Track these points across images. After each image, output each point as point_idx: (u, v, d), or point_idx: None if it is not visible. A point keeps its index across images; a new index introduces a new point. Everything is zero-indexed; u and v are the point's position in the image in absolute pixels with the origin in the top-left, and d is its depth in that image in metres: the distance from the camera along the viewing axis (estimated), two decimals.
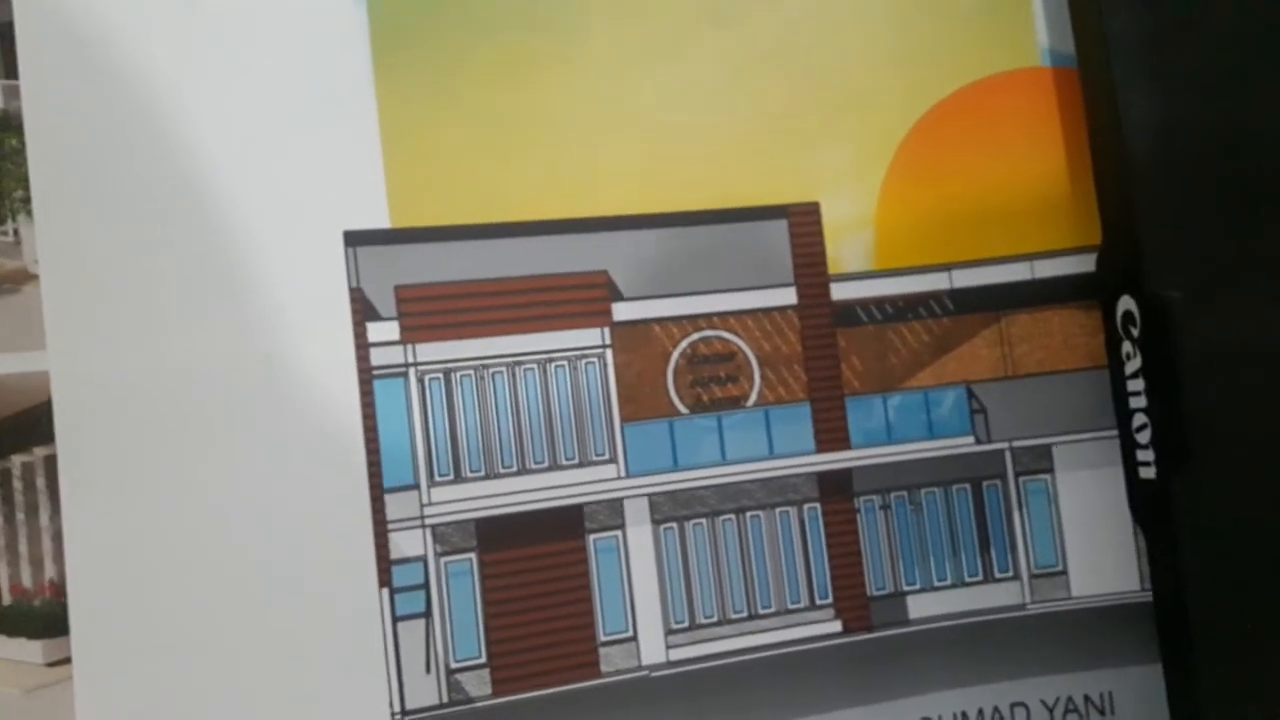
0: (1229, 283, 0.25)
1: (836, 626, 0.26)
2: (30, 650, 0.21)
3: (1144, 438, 0.26)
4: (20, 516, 0.22)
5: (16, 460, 0.22)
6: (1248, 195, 0.25)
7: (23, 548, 0.22)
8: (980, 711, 0.27)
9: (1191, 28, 0.25)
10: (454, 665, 0.24)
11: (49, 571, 0.22)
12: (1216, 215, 0.25)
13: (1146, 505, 0.26)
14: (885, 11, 0.27)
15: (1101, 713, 0.27)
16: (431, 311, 0.25)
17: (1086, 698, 0.27)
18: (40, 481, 0.22)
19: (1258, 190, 0.25)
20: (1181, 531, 0.25)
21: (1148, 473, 0.26)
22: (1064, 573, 0.27)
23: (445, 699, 0.24)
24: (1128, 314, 0.26)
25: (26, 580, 0.22)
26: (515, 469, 0.25)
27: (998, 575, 0.27)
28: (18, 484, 0.22)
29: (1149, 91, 0.25)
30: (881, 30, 0.27)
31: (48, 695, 0.21)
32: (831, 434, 0.27)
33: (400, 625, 0.24)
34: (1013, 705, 0.27)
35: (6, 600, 0.21)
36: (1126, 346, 0.26)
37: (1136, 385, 0.26)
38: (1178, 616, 0.25)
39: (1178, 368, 0.25)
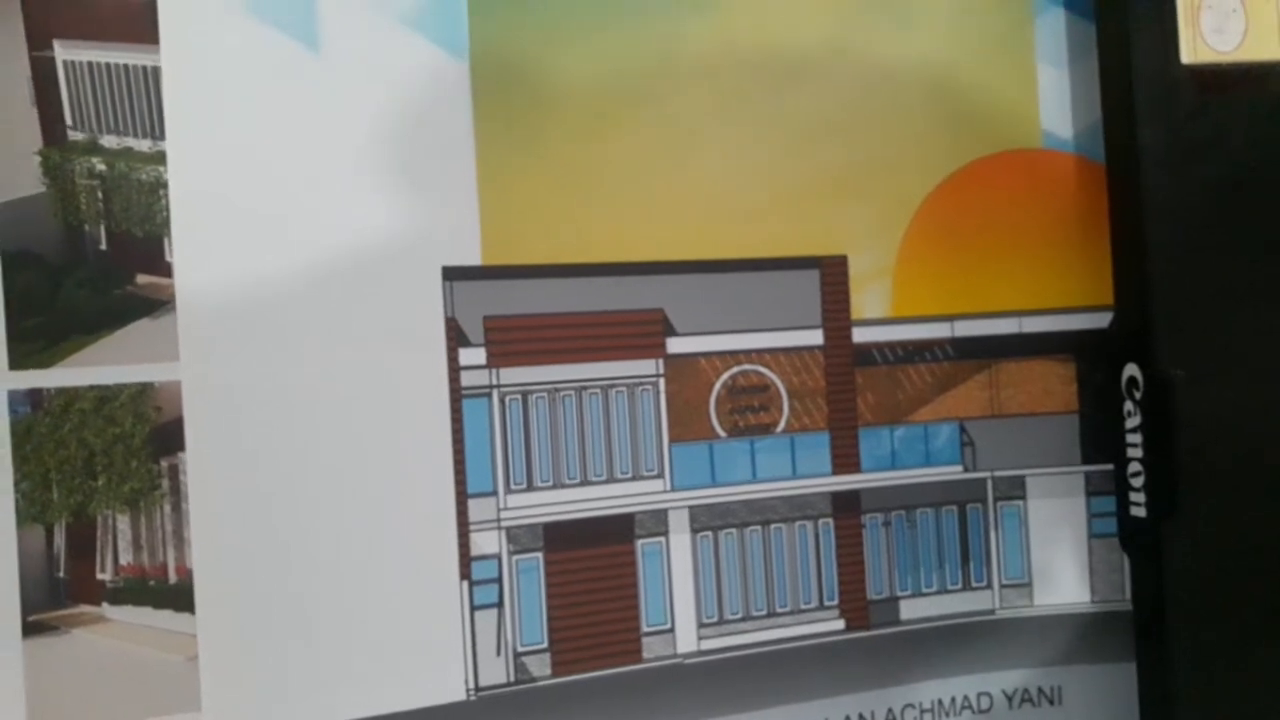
0: (1228, 366, 0.34)
1: (840, 625, 0.36)
2: (193, 623, 0.29)
3: (1137, 482, 0.35)
4: (186, 506, 0.29)
5: (182, 456, 0.29)
6: (1251, 289, 0.35)
7: (188, 533, 0.29)
8: (953, 699, 0.37)
9: (1218, 137, 0.35)
10: (520, 649, 0.33)
11: None
12: (1221, 305, 0.34)
13: (1134, 538, 0.36)
14: (909, 93, 0.36)
15: (1051, 703, 0.37)
16: (514, 340, 0.33)
17: (1039, 689, 0.37)
18: None
19: (1261, 285, 0.35)
20: (1165, 562, 0.34)
21: (1138, 511, 0.35)
22: (1029, 585, 0.37)
23: (512, 678, 0.32)
24: (1132, 379, 0.35)
25: (190, 562, 0.29)
26: (578, 480, 0.33)
27: (974, 584, 0.37)
28: (184, 477, 0.29)
29: (1173, 191, 0.34)
30: (906, 109, 0.36)
31: None
32: (846, 459, 0.36)
33: (476, 613, 0.32)
34: (979, 694, 0.37)
35: (173, 579, 0.29)
36: (1128, 405, 0.36)
37: (1135, 439, 0.35)
38: (1156, 633, 0.35)
39: (1174, 432, 0.34)
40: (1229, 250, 0.35)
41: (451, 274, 0.32)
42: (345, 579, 0.31)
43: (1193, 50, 0.35)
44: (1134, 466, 0.36)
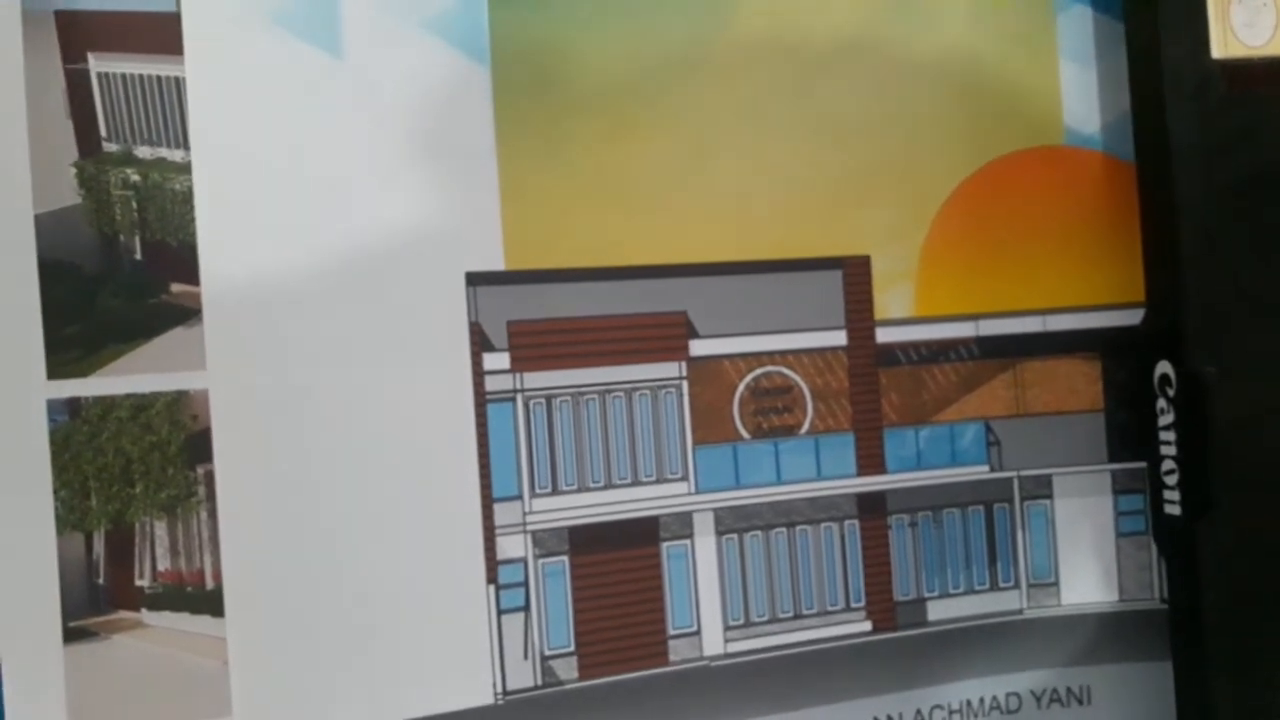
0: (1262, 362, 0.36)
1: (867, 626, 0.38)
2: None
3: (1171, 480, 0.37)
4: None
5: None
6: None
7: None
8: (981, 699, 0.39)
9: (1250, 131, 0.36)
10: (547, 653, 0.35)
11: None
12: (1255, 300, 0.36)
13: (1169, 536, 0.38)
14: (932, 92, 0.38)
15: (1080, 703, 0.39)
16: (537, 344, 0.35)
17: (1068, 689, 0.39)
18: None
19: None
20: (1201, 560, 0.36)
21: (1172, 509, 0.37)
22: (1056, 584, 0.39)
23: (539, 682, 0.34)
24: (1164, 376, 0.37)
25: None
26: (603, 484, 0.36)
27: (1001, 585, 0.39)
28: None
29: (1204, 186, 0.36)
30: (928, 108, 0.38)
31: None
32: (870, 460, 0.38)
33: (503, 617, 0.34)
34: (1008, 694, 0.39)
35: (210, 585, 0.31)
36: (1161, 402, 0.38)
37: (1168, 436, 0.37)
38: (1192, 632, 0.37)
39: (1208, 429, 0.36)
40: (1261, 245, 0.37)
41: (475, 279, 0.34)
42: (372, 584, 0.33)
43: (1223, 45, 0.37)
44: (1168, 464, 0.38)
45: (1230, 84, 0.37)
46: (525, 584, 0.34)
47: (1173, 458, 0.37)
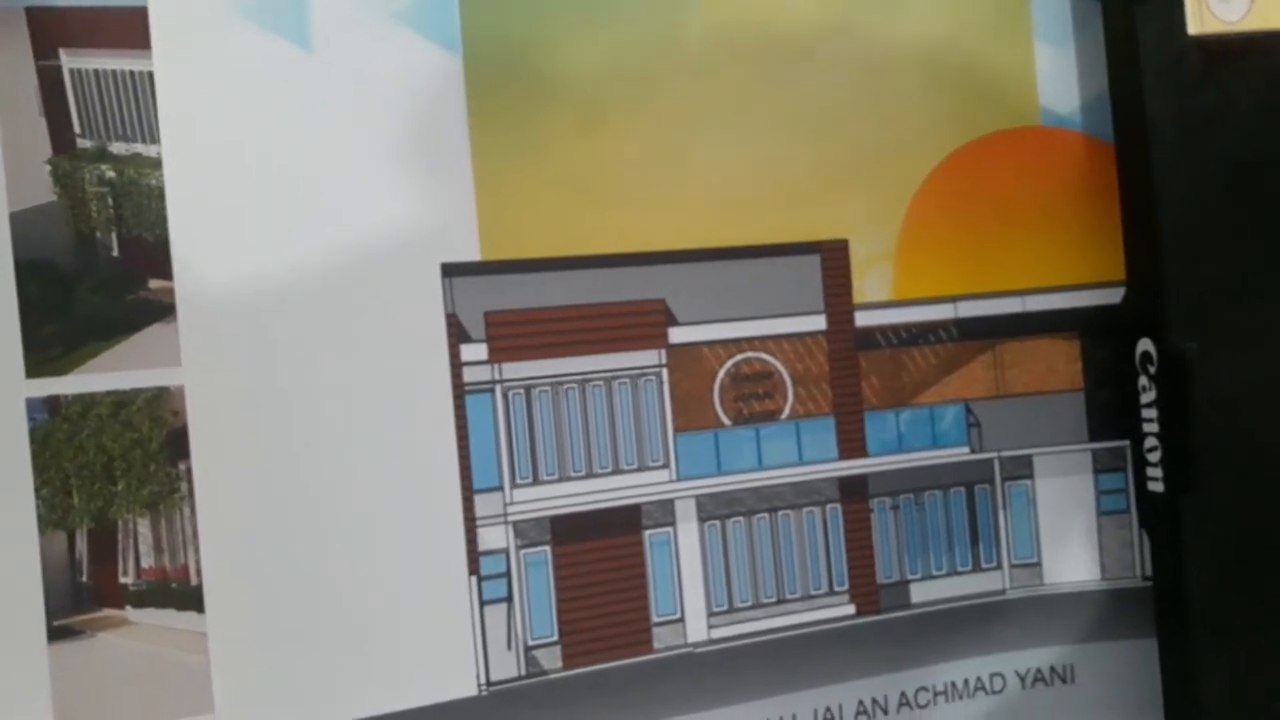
0: (1243, 337, 0.37)
1: (851, 610, 0.39)
2: None
3: (1154, 457, 0.38)
4: None
5: None
6: (1266, 259, 0.38)
7: None
8: (966, 681, 0.40)
9: (1227, 108, 0.38)
10: (531, 643, 0.36)
11: None
12: (1235, 276, 0.38)
13: (1152, 513, 0.39)
14: (906, 75, 0.39)
15: (1064, 681, 0.41)
16: (516, 334, 0.36)
17: (1052, 669, 0.40)
18: None
19: (1275, 254, 0.38)
20: (1185, 537, 0.37)
21: (1155, 486, 0.38)
22: (1038, 564, 0.41)
23: (523, 672, 0.35)
24: (1146, 354, 0.39)
25: None
26: (584, 473, 0.37)
27: (984, 565, 0.40)
28: None
29: (1182, 163, 0.37)
30: (903, 91, 0.39)
31: None
32: (852, 444, 0.39)
33: (486, 608, 0.35)
34: (992, 675, 0.40)
35: (195, 582, 0.32)
36: (1142, 380, 0.39)
37: (1150, 413, 0.39)
38: (1176, 609, 0.38)
39: (1190, 405, 0.37)
40: (1240, 221, 0.38)
41: (451, 270, 0.35)
42: (354, 578, 0.33)
43: (1199, 21, 0.38)
44: (1150, 442, 0.39)
45: (1206, 61, 0.38)
46: (507, 575, 0.35)
47: (1155, 435, 0.39)
